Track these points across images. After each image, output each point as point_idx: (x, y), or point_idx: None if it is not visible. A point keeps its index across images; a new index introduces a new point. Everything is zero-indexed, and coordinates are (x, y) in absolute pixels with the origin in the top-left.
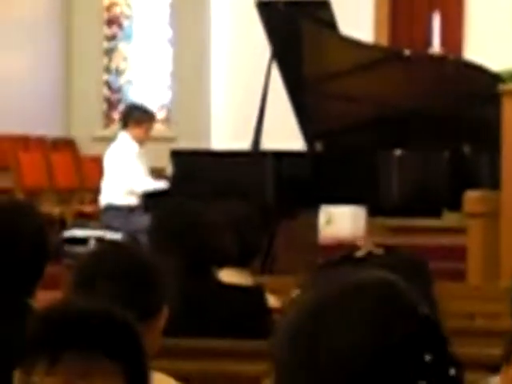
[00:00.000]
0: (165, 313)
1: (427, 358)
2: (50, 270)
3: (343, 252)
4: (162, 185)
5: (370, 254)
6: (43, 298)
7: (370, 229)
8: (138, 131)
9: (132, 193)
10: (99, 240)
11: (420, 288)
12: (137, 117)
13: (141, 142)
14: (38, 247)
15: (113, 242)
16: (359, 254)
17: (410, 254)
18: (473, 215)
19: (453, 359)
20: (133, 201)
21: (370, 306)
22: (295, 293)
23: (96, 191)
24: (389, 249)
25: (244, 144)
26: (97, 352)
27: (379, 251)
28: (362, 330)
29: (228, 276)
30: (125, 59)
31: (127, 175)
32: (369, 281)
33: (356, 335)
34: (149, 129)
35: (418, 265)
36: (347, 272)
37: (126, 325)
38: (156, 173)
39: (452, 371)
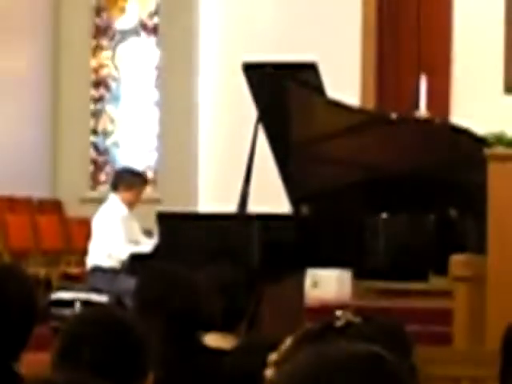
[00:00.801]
0: (150, 378)
1: None
2: (36, 331)
3: (323, 322)
4: (144, 249)
5: (348, 323)
6: (28, 360)
7: (356, 292)
8: (129, 195)
9: (110, 257)
10: (85, 303)
11: (399, 355)
12: (128, 180)
13: (130, 205)
14: (26, 311)
15: (98, 307)
16: (338, 323)
17: (388, 321)
18: (459, 279)
19: None
20: (119, 263)
21: (357, 381)
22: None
23: (83, 253)
24: (368, 316)
25: (230, 207)
26: None
27: (358, 320)
28: None
29: (213, 341)
30: (112, 121)
31: (109, 239)
32: (356, 355)
33: None
34: (140, 193)
35: (397, 332)
36: (331, 344)
37: None
38: (146, 234)
39: None
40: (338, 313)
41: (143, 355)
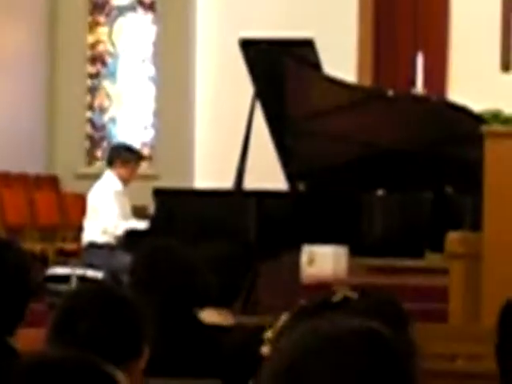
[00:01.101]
0: (146, 353)
1: None
2: (31, 307)
3: (320, 297)
4: (138, 225)
5: (345, 298)
6: (24, 336)
7: (352, 269)
8: (124, 171)
9: (105, 232)
10: (81, 279)
11: (396, 330)
12: (123, 157)
13: (125, 181)
14: (22, 286)
15: (94, 282)
16: (335, 299)
17: (384, 296)
18: (455, 256)
19: None
20: (114, 239)
21: (353, 357)
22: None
23: (78, 229)
24: (364, 291)
25: (227, 183)
26: None
27: (354, 295)
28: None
29: (209, 316)
30: (108, 97)
31: (103, 215)
32: (352, 330)
33: None
34: (135, 169)
35: (393, 307)
36: (327, 320)
37: (104, 374)
38: (138, 211)
39: None
40: (335, 288)
41: (139, 331)
